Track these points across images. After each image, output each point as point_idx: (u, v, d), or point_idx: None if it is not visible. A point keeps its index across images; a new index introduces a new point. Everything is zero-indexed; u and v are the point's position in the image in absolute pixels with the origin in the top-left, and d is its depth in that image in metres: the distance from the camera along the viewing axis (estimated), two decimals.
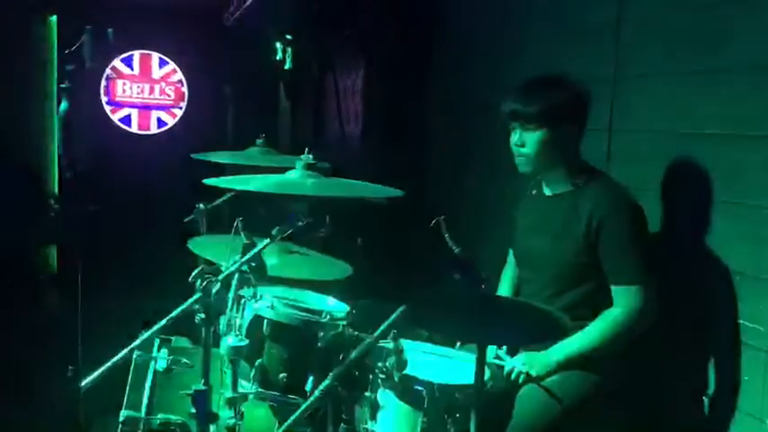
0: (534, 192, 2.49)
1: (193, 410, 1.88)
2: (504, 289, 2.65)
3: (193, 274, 1.79)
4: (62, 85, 1.52)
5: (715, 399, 2.27)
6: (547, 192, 2.42)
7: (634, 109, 2.64)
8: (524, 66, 3.33)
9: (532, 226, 2.44)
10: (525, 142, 2.30)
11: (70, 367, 1.51)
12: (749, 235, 2.14)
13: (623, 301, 2.21)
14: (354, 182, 2.17)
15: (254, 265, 2.13)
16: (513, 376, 2.27)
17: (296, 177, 2.04)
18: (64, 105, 1.55)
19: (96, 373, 1.70)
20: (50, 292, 5.97)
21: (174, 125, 7.02)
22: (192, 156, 2.83)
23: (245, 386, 2.18)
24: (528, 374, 2.24)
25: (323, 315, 2.28)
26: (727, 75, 2.23)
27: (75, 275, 1.60)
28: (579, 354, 2.22)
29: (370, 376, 2.12)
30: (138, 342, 1.74)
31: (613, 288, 2.22)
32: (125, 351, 1.74)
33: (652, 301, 2.19)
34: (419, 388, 2.09)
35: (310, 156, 1.99)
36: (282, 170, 2.20)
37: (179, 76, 7.00)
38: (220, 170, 3.09)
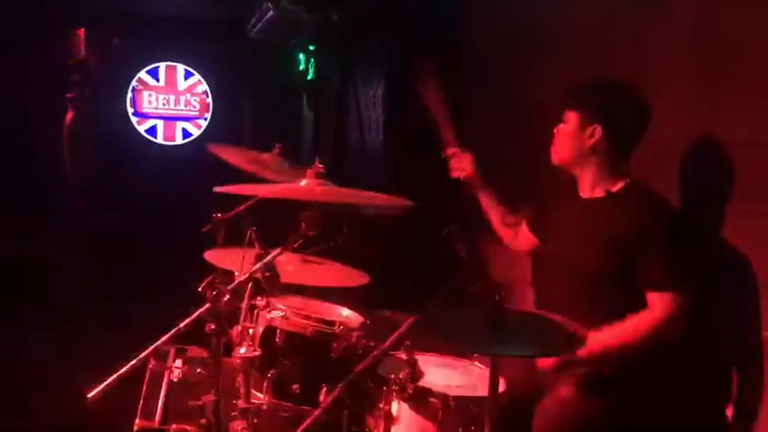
0: (568, 195, 2.46)
1: (206, 420, 1.87)
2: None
3: (203, 283, 1.79)
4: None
5: (739, 409, 2.23)
6: (581, 195, 2.40)
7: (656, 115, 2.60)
8: (543, 75, 3.30)
9: (564, 228, 2.42)
10: (561, 131, 2.35)
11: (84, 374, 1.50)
12: None
13: (656, 305, 2.17)
14: (364, 192, 2.16)
15: (267, 274, 2.12)
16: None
17: (307, 187, 2.04)
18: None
19: (107, 382, 1.70)
20: (71, 299, 6.04)
21: (199, 136, 7.08)
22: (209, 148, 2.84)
23: (259, 397, 2.18)
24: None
25: (337, 326, 2.26)
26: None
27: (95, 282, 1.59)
28: (605, 346, 2.17)
29: (384, 387, 2.10)
30: (147, 352, 1.73)
31: (648, 294, 2.19)
32: (135, 360, 1.74)
33: (684, 310, 2.15)
34: (434, 400, 2.07)
35: (321, 165, 1.99)
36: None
37: (204, 87, 7.07)
38: (241, 181, 3.10)
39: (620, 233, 2.21)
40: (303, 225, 1.96)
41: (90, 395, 1.64)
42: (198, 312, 1.77)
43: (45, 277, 5.89)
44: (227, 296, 1.78)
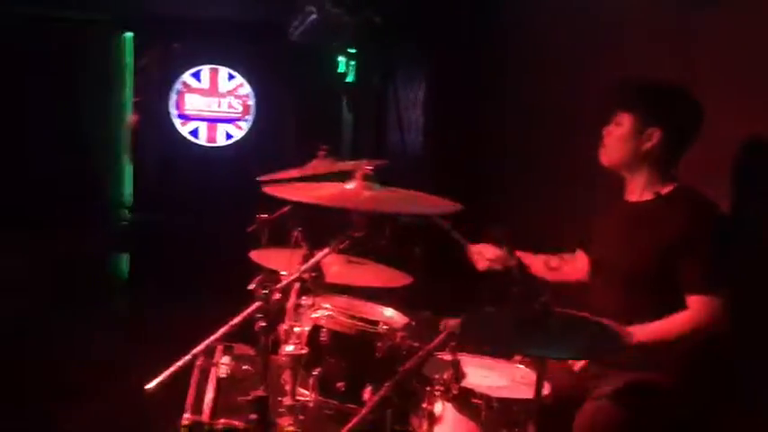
0: (616, 197, 2.45)
1: (253, 416, 1.91)
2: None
3: (253, 282, 1.84)
4: (133, 99, 1.58)
5: None
6: (629, 197, 2.39)
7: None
8: (587, 77, 3.29)
9: (611, 231, 2.41)
10: (613, 132, 2.32)
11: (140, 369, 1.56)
12: None
13: (694, 308, 2.17)
14: (412, 195, 2.18)
15: (313, 274, 2.16)
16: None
17: (353, 189, 2.06)
18: (134, 118, 1.60)
19: (160, 378, 1.76)
20: (121, 297, 6.19)
21: (241, 138, 7.19)
22: (258, 179, 2.90)
23: (304, 394, 2.22)
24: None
25: (381, 326, 2.29)
26: None
27: (146, 282, 1.65)
28: (641, 341, 2.14)
29: (428, 388, 2.12)
30: (200, 348, 1.78)
31: (687, 297, 2.18)
32: (188, 357, 1.79)
33: (723, 314, 2.14)
34: (477, 401, 2.09)
35: (369, 168, 2.01)
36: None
37: (246, 89, 7.17)
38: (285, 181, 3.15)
39: (667, 236, 2.20)
40: (351, 226, 1.99)
41: (148, 387, 1.70)
42: (249, 310, 1.81)
43: (96, 276, 6.06)
44: (278, 295, 1.82)
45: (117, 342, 4.59)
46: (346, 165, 2.41)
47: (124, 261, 6.94)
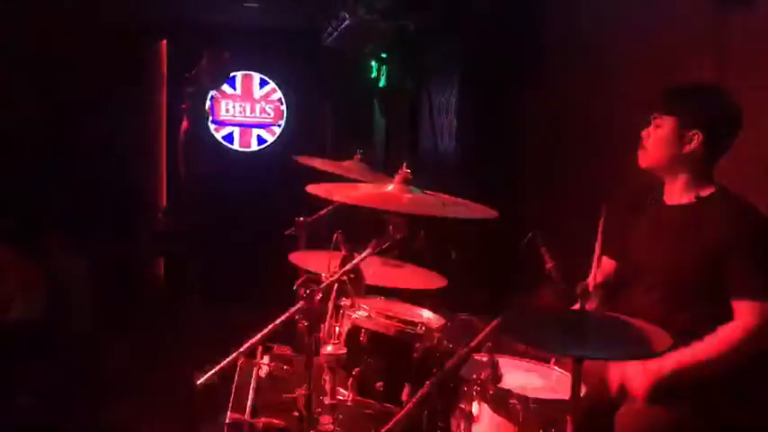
0: (652, 200, 2.44)
1: (297, 413, 1.96)
2: None
3: (297, 282, 1.88)
4: (184, 106, 1.64)
5: None
6: (668, 201, 2.38)
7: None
8: (621, 79, 3.29)
9: (650, 235, 2.39)
10: (652, 135, 2.32)
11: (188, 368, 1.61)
12: None
13: (743, 315, 2.14)
14: (451, 199, 2.21)
15: (352, 276, 2.21)
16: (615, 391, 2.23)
17: (393, 192, 2.10)
18: (186, 124, 1.66)
19: (205, 377, 1.81)
20: (158, 301, 6.28)
21: (273, 142, 7.28)
22: (296, 159, 2.95)
23: (343, 393, 2.26)
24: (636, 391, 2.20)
25: (419, 327, 2.33)
26: None
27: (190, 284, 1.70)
28: (690, 364, 2.15)
29: (465, 388, 2.15)
30: (245, 347, 1.84)
31: (734, 302, 2.16)
32: (233, 356, 1.85)
33: None
34: (514, 401, 2.11)
35: (408, 171, 2.05)
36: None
37: (278, 95, 7.26)
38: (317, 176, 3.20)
39: (710, 239, 2.18)
40: (390, 228, 2.03)
41: (199, 381, 1.75)
42: (292, 310, 1.86)
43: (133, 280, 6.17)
44: (320, 295, 1.87)
45: (158, 341, 4.68)
46: (381, 177, 2.44)
47: (160, 265, 7.07)
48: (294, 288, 1.86)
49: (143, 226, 6.95)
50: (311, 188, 2.10)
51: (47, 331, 4.34)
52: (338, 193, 2.10)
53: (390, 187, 2.10)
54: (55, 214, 5.93)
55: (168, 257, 6.95)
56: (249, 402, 2.36)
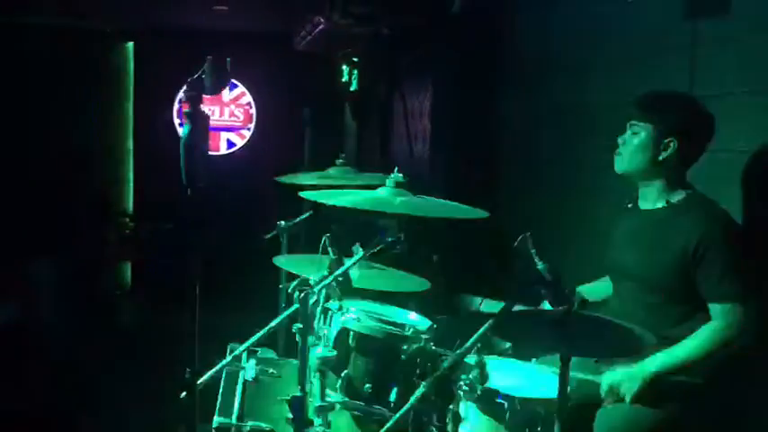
0: (630, 205, 2.50)
1: (290, 416, 1.96)
2: (597, 287, 2.67)
3: (291, 285, 1.89)
4: (185, 111, 1.64)
5: None
6: (642, 206, 2.44)
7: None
8: (596, 83, 3.36)
9: (626, 239, 2.46)
10: (628, 141, 2.37)
11: (188, 370, 1.61)
12: None
13: (720, 316, 2.20)
14: (442, 202, 2.24)
15: (340, 279, 2.22)
16: (606, 395, 2.28)
17: (385, 195, 2.12)
18: (186, 129, 1.66)
19: (209, 373, 1.81)
20: (125, 307, 6.20)
21: (243, 146, 7.24)
22: (276, 179, 2.94)
23: (333, 395, 2.27)
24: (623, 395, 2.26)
25: (407, 329, 2.35)
26: None
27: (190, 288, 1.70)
28: (673, 364, 2.21)
29: (453, 389, 2.17)
30: (239, 350, 1.83)
31: (710, 305, 2.22)
32: (227, 360, 1.84)
33: (751, 319, 2.18)
34: (501, 401, 2.13)
35: (400, 174, 2.07)
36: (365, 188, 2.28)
37: (248, 98, 7.23)
38: (297, 188, 3.20)
39: (681, 244, 2.23)
40: (382, 231, 2.05)
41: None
42: (286, 313, 1.87)
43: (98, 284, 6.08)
44: (314, 297, 1.87)
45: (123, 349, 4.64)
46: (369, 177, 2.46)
47: (126, 270, 6.97)
48: (288, 291, 1.86)
49: (109, 230, 6.86)
50: (306, 194, 2.11)
51: (17, 336, 4.27)
52: (331, 198, 2.10)
53: (382, 191, 2.12)
54: (20, 220, 5.82)
55: (168, 257, 6.86)
56: (236, 406, 2.35)
